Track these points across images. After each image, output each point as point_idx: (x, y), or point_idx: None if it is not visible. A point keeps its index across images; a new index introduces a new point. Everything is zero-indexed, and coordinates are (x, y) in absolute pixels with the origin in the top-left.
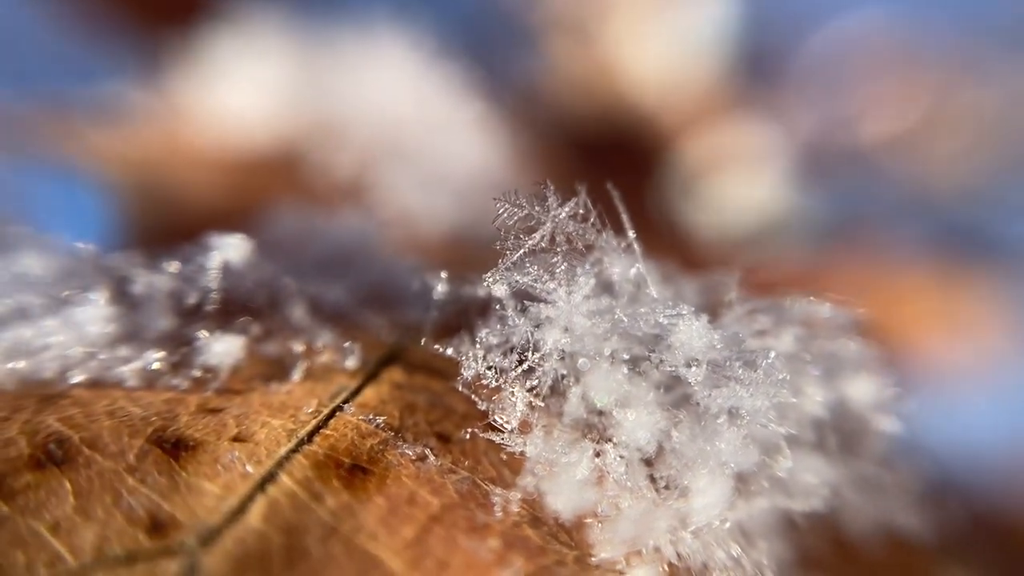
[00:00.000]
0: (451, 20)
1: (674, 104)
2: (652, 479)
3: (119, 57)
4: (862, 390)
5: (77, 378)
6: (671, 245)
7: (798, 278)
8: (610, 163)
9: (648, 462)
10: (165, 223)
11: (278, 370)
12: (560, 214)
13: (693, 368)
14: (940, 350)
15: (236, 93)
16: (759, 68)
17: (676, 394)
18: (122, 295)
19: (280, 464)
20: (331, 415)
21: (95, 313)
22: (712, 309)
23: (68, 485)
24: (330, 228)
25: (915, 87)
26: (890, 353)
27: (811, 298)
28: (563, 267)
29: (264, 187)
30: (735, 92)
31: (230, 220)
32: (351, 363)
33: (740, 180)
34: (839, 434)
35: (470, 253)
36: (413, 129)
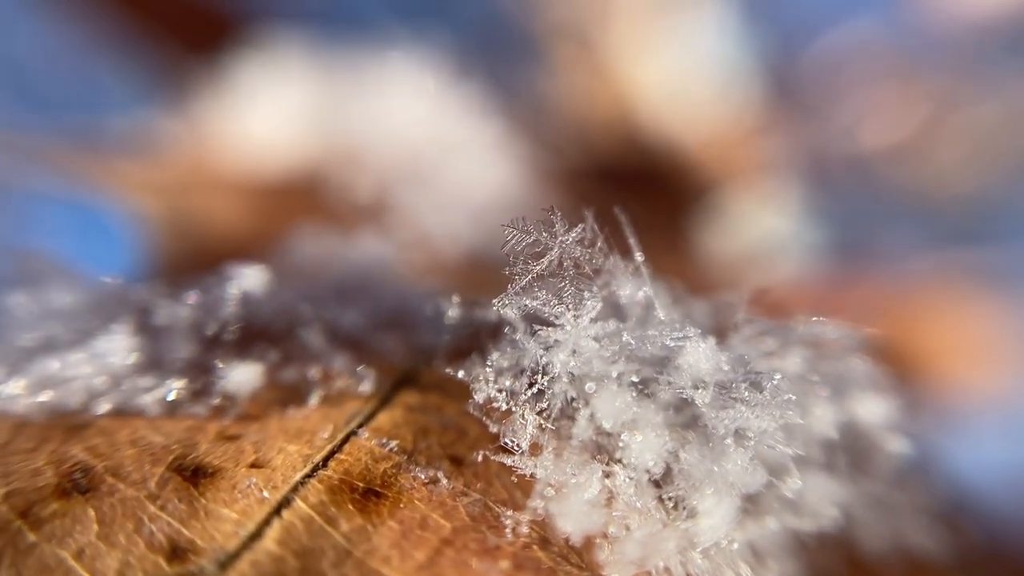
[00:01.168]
0: (466, 39)
1: (688, 121)
2: (661, 500)
3: (146, 85)
4: (871, 410)
5: (102, 408)
6: (687, 263)
7: (811, 299)
8: (627, 180)
9: (657, 483)
10: (190, 249)
11: (295, 396)
12: (567, 239)
13: (700, 390)
14: (956, 371)
15: (261, 118)
16: (765, 80)
17: (685, 415)
18: (145, 326)
19: (295, 489)
20: (345, 440)
21: (119, 344)
22: (721, 330)
23: (92, 513)
24: (348, 252)
25: (915, 95)
26: (903, 374)
27: (819, 319)
28: (570, 291)
29: (286, 212)
30: (746, 107)
31: (253, 245)
32: (365, 387)
33: (753, 198)
34: (849, 454)
35: (488, 274)
36: (431, 151)
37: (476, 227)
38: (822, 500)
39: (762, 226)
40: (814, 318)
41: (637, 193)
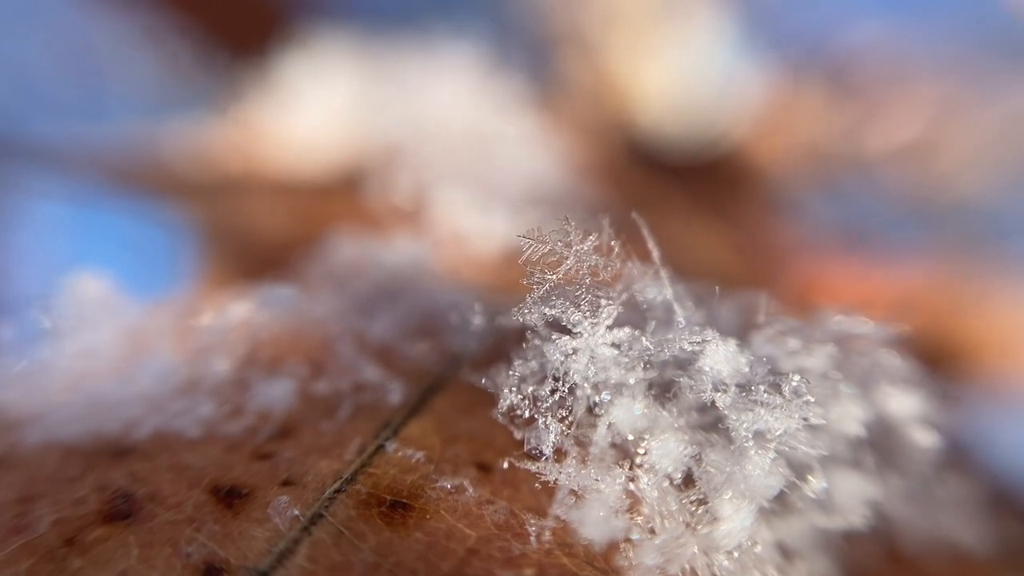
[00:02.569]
0: (506, 32)
1: (684, 134)
2: (684, 503)
3: (196, 84)
4: (903, 405)
5: (143, 433)
6: (735, 247)
7: (841, 290)
8: (671, 170)
9: (679, 487)
10: (235, 252)
11: (327, 410)
12: (583, 248)
13: (721, 392)
14: (1001, 359)
15: (306, 117)
16: (764, 86)
17: (706, 418)
18: (184, 348)
19: (325, 505)
20: (374, 453)
21: (160, 368)
22: (744, 330)
23: (133, 538)
24: (383, 256)
25: (919, 98)
26: (939, 364)
27: (846, 315)
28: (587, 298)
29: (328, 211)
30: (745, 112)
31: (293, 247)
32: (395, 398)
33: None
34: (881, 450)
35: (522, 270)
36: (472, 144)
37: (513, 222)
38: (851, 498)
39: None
40: (842, 314)
41: (679, 179)
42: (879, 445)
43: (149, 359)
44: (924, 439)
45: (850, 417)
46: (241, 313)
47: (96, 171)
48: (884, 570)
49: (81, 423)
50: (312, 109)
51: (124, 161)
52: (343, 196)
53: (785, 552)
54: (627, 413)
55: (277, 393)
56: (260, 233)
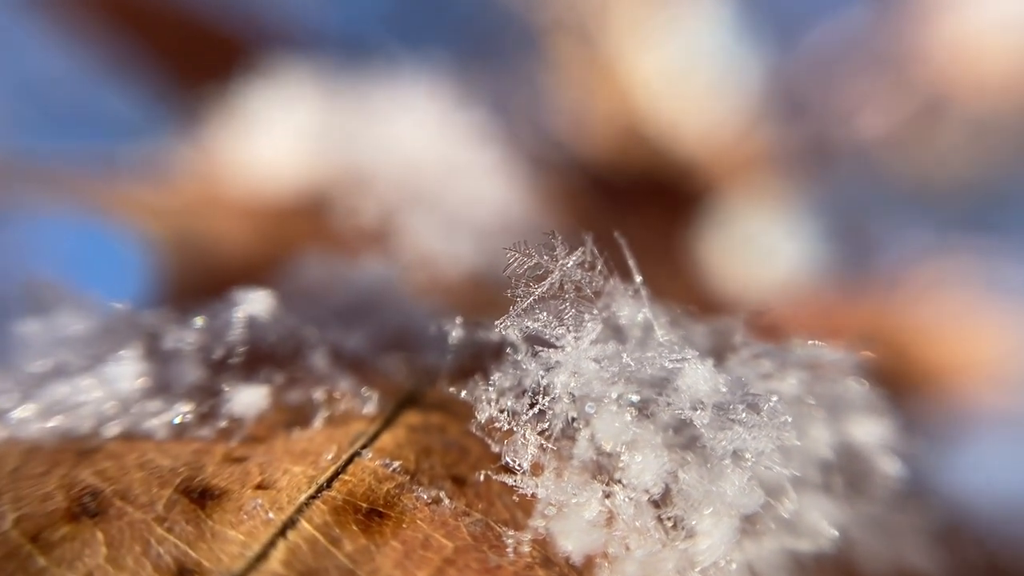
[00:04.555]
0: (468, 54)
1: (688, 114)
2: (660, 520)
3: (156, 110)
4: (868, 431)
5: (111, 432)
6: (688, 280)
7: (809, 318)
8: (626, 194)
9: (656, 503)
10: (198, 272)
11: (300, 417)
12: (568, 263)
13: (699, 411)
14: (960, 385)
15: (269, 143)
16: (763, 72)
17: (684, 436)
18: (153, 351)
19: (300, 510)
20: (349, 461)
21: (128, 369)
22: (719, 352)
23: (101, 536)
24: (353, 275)
25: (912, 81)
26: (902, 392)
27: (816, 342)
28: (571, 313)
29: (293, 235)
30: (744, 99)
31: (259, 269)
32: (369, 409)
33: (753, 195)
34: (846, 475)
35: (490, 294)
36: (435, 173)
37: (479, 248)
38: (819, 521)
39: (762, 229)
40: (811, 341)
41: (637, 207)
42: (844, 470)
43: (117, 360)
44: (887, 466)
45: (820, 441)
46: (212, 318)
47: (48, 188)
48: None
49: (45, 421)
50: (275, 136)
51: (79, 180)
52: (309, 220)
53: (755, 572)
54: (610, 425)
55: (250, 399)
56: (225, 254)
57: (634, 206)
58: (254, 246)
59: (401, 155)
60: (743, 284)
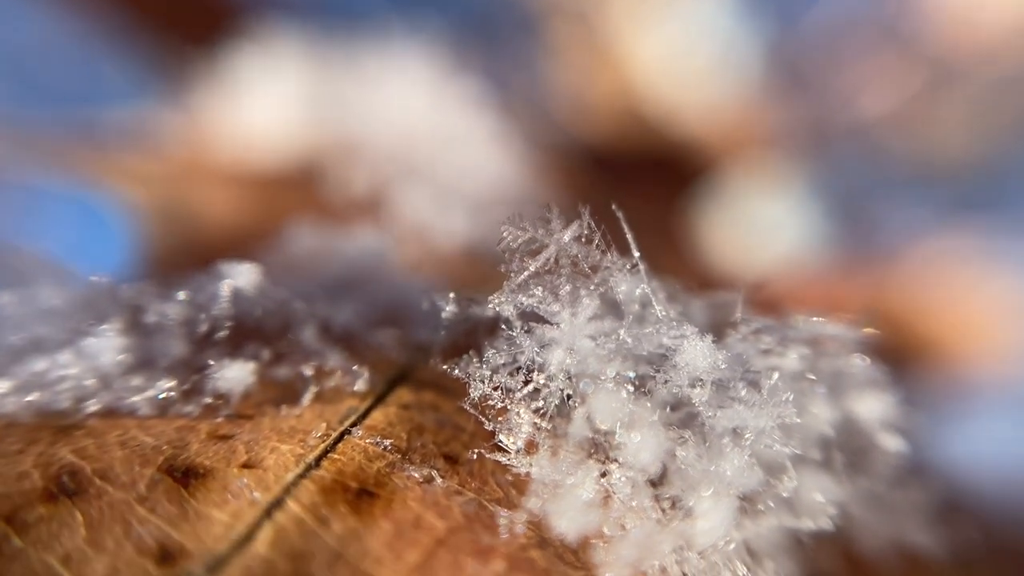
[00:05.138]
0: (463, 28)
1: (688, 95)
2: (657, 499)
3: (143, 76)
4: (869, 408)
5: (91, 408)
6: (686, 259)
7: (810, 293)
8: (625, 170)
9: (653, 483)
10: (185, 241)
11: (288, 394)
12: (564, 237)
13: (698, 388)
14: (960, 357)
15: (258, 110)
16: (764, 53)
17: (681, 414)
18: (135, 325)
19: (287, 490)
20: (339, 439)
21: (109, 344)
22: (718, 328)
23: (80, 516)
24: (344, 247)
25: (914, 59)
26: (903, 365)
27: (817, 317)
28: (567, 289)
29: (283, 204)
30: (745, 80)
31: (248, 238)
32: (360, 385)
33: (754, 176)
34: (847, 452)
35: (486, 268)
36: (429, 144)
37: (473, 221)
38: (819, 499)
39: (763, 207)
40: (812, 316)
41: (635, 184)
42: (845, 446)
43: (97, 334)
44: (888, 442)
45: (820, 417)
46: (196, 291)
47: (32, 156)
48: (840, 572)
49: (22, 396)
50: (263, 103)
51: (63, 148)
52: (299, 189)
53: (753, 552)
54: (607, 403)
55: (236, 375)
56: (212, 223)
57: (632, 184)
58: (242, 215)
59: (394, 124)
60: (743, 263)
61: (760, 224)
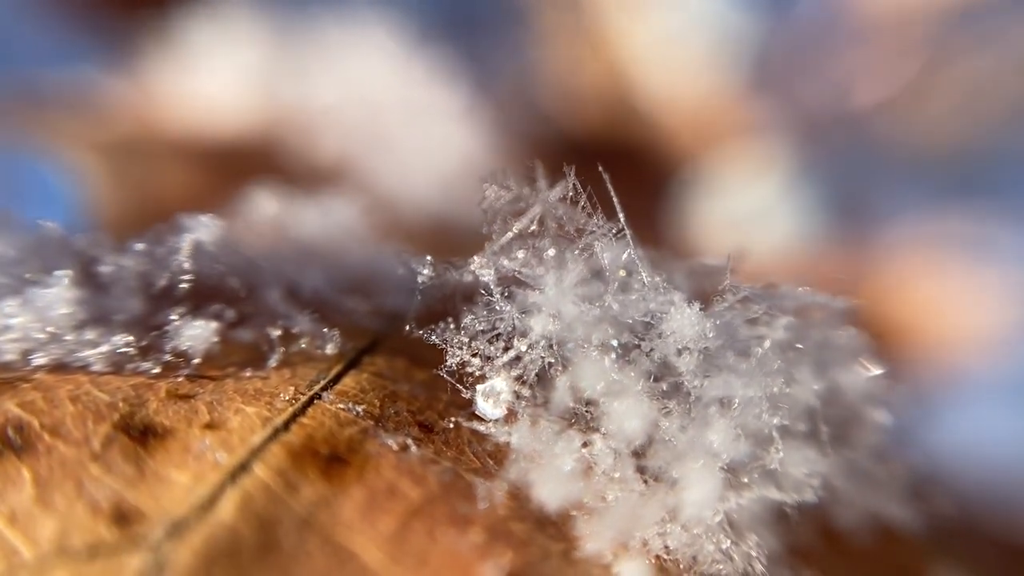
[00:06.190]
0: (448, 12)
1: (679, 83)
2: (640, 470)
3: (91, 42)
4: (854, 380)
5: (39, 361)
6: (673, 249)
7: (793, 268)
8: (605, 153)
9: (636, 453)
10: (137, 208)
11: (253, 356)
12: (550, 197)
13: (685, 356)
14: (942, 340)
15: (212, 79)
16: (755, 40)
17: (665, 384)
18: (89, 276)
19: (254, 453)
20: (309, 403)
21: (59, 295)
22: (703, 297)
23: (27, 474)
24: (308, 214)
25: (905, 47)
26: (882, 345)
27: (803, 287)
28: (551, 252)
29: (241, 173)
30: (737, 68)
31: (205, 206)
32: (330, 349)
33: (743, 163)
34: (831, 424)
35: (453, 242)
36: (395, 115)
37: (441, 194)
38: (803, 471)
39: (752, 196)
40: (798, 286)
41: (619, 173)
42: (830, 417)
43: (49, 283)
44: (873, 415)
45: (807, 389)
46: (154, 244)
47: None
48: (816, 544)
49: None
50: (217, 71)
51: (6, 108)
52: (259, 158)
53: (735, 524)
54: (591, 371)
55: (197, 333)
56: (167, 191)
57: (616, 173)
58: (198, 182)
59: (357, 94)
60: (724, 240)
61: (749, 213)
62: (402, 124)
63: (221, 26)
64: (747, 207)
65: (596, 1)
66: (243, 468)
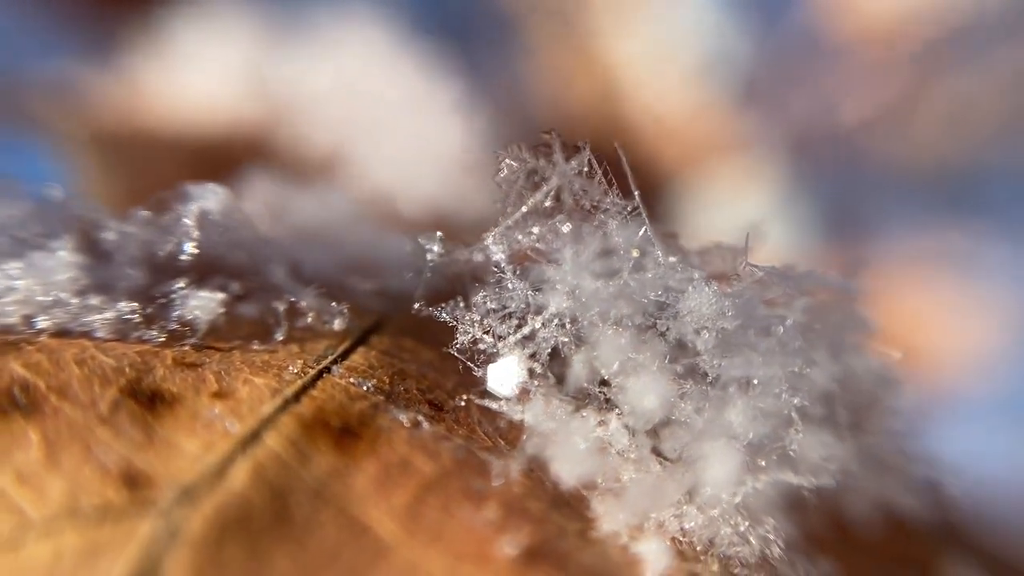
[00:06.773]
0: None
1: (669, 97)
2: (657, 451)
3: (79, 38)
4: (869, 364)
5: (43, 325)
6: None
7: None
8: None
9: (652, 433)
10: (129, 203)
11: (259, 330)
12: (568, 169)
13: (703, 335)
14: (931, 358)
15: (202, 73)
16: (745, 55)
17: (682, 364)
18: (92, 243)
19: (265, 423)
20: (318, 376)
21: (63, 260)
22: (719, 277)
23: (33, 435)
24: (304, 200)
25: (894, 63)
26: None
27: (819, 271)
28: (568, 227)
29: (232, 167)
30: (726, 83)
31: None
32: (338, 325)
33: (733, 177)
34: (847, 408)
35: (447, 232)
36: (386, 107)
37: (437, 185)
38: (820, 455)
39: (742, 208)
40: (814, 270)
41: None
42: (846, 400)
43: (53, 247)
44: (889, 399)
45: (824, 371)
46: (159, 212)
47: None
48: (826, 533)
49: None
50: (207, 66)
51: None
52: (250, 150)
53: (750, 508)
54: (608, 349)
55: (203, 303)
56: (157, 183)
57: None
58: (189, 173)
59: (348, 86)
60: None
61: (739, 228)
62: (394, 116)
63: (211, 21)
64: (736, 222)
65: (587, 16)
66: (254, 437)
